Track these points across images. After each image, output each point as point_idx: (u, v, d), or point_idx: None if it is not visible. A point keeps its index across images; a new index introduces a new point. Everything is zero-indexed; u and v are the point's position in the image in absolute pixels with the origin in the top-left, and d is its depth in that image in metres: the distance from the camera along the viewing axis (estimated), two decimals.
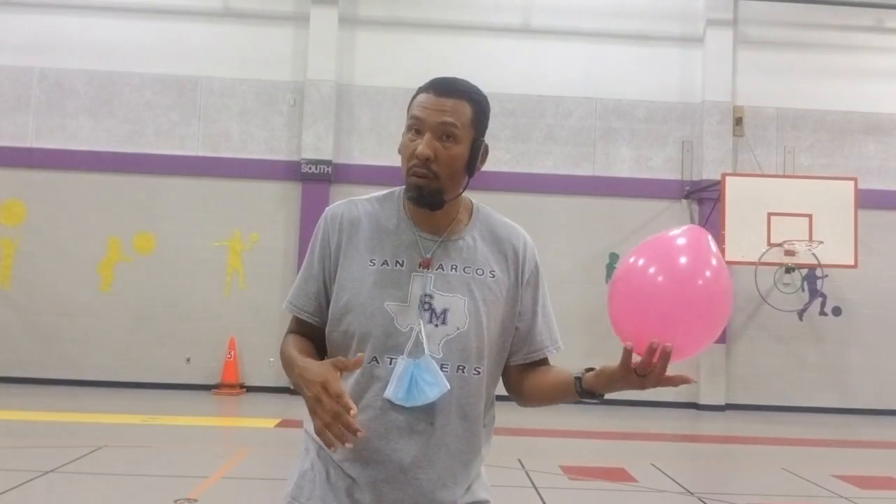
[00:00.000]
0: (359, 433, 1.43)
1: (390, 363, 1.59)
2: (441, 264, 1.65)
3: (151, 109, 11.14)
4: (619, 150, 11.43)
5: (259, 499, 5.31)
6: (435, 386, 1.57)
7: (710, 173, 11.02)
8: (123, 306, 10.81)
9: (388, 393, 1.57)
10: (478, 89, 1.68)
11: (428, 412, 1.59)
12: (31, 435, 7.19)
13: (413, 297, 1.62)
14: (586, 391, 1.67)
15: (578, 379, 1.68)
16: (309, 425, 1.68)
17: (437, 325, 1.61)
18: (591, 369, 1.68)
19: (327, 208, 1.75)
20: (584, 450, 7.89)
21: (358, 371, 1.60)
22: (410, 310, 1.61)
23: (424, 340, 1.59)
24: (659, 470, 6.67)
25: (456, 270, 1.66)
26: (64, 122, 11.04)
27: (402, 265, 1.64)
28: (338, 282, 1.66)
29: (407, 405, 1.57)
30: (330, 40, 11.18)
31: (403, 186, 1.70)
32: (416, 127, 1.62)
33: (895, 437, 9.47)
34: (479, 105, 1.66)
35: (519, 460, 6.66)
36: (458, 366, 1.61)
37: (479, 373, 1.65)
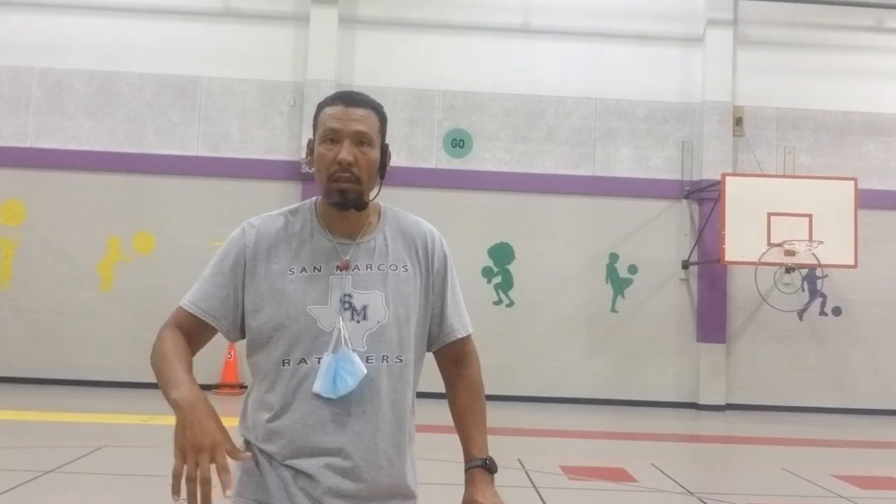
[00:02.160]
0: None
1: (318, 362, 1.70)
2: (357, 265, 1.77)
3: (151, 109, 11.14)
4: (619, 150, 11.43)
5: None
6: (353, 374, 1.68)
7: (710, 173, 11.02)
8: (123, 306, 10.81)
9: (316, 387, 1.69)
10: (377, 101, 1.84)
11: (360, 401, 1.71)
12: (31, 435, 7.19)
13: (333, 298, 1.74)
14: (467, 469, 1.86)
15: (469, 465, 1.85)
16: (245, 430, 1.81)
17: (358, 322, 1.73)
18: (477, 466, 1.84)
19: (246, 222, 1.84)
20: (584, 450, 7.89)
21: (288, 374, 1.72)
22: (332, 310, 1.73)
23: (346, 336, 1.70)
24: (659, 470, 6.67)
25: (371, 269, 1.78)
26: (64, 122, 11.04)
27: (319, 270, 1.76)
28: (258, 294, 1.76)
29: (335, 397, 1.68)
30: (330, 40, 11.18)
31: (313, 199, 1.87)
32: (331, 137, 1.74)
33: (895, 437, 9.47)
34: (382, 115, 1.82)
35: (519, 460, 6.66)
36: (383, 356, 1.74)
37: (401, 360, 1.77)
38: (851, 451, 8.45)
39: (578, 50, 11.51)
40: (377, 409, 1.72)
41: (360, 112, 1.75)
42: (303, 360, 1.71)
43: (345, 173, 1.72)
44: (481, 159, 11.27)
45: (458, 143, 11.29)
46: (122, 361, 10.73)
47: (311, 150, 1.83)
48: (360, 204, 1.76)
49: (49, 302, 10.76)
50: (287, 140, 11.18)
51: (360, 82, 11.27)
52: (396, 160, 11.15)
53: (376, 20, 11.48)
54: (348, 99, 1.77)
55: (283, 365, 1.72)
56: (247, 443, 1.80)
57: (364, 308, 1.74)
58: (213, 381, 10.52)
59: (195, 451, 1.50)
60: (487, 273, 11.14)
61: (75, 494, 5.21)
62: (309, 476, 1.69)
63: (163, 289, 10.81)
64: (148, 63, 11.15)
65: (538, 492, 5.71)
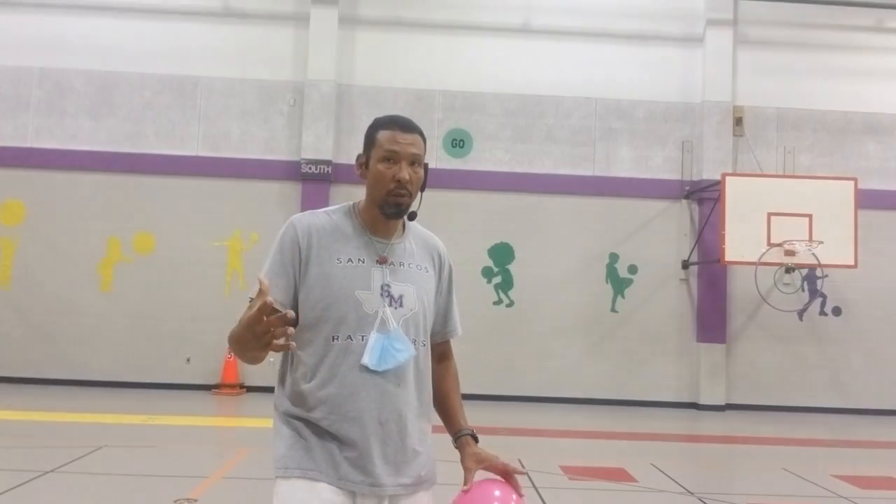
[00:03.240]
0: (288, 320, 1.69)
1: (362, 339, 1.97)
2: (392, 261, 2.07)
3: (151, 109, 11.14)
4: (619, 150, 11.43)
5: (259, 499, 5.31)
6: (404, 351, 1.99)
7: (710, 173, 11.02)
8: (123, 306, 10.81)
9: (365, 360, 1.96)
10: (418, 125, 2.14)
11: (395, 375, 1.99)
12: (31, 435, 7.20)
13: (374, 286, 2.02)
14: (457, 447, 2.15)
15: (460, 433, 2.15)
16: (284, 403, 2.03)
17: (396, 308, 2.02)
18: (465, 435, 2.15)
19: (293, 217, 2.09)
20: (584, 450, 7.88)
21: (336, 349, 1.97)
22: (374, 296, 2.01)
23: (390, 318, 1.99)
24: (659, 470, 6.67)
25: (403, 266, 2.08)
26: (64, 122, 11.04)
27: (363, 262, 2.04)
28: (310, 277, 2.01)
29: (380, 370, 1.96)
30: (330, 40, 11.18)
31: (350, 203, 2.15)
32: (390, 157, 2.02)
33: (895, 437, 9.47)
34: (424, 138, 2.12)
35: (519, 460, 6.66)
36: (413, 339, 2.04)
37: (425, 345, 2.09)
38: (851, 451, 8.45)
39: (578, 50, 11.51)
40: (406, 382, 2.01)
41: (411, 137, 2.04)
42: (349, 337, 1.97)
43: (402, 190, 2.01)
44: (481, 159, 11.27)
45: (458, 143, 11.29)
46: (122, 361, 10.73)
47: (362, 164, 2.08)
48: (412, 214, 2.11)
49: (49, 302, 10.76)
50: (287, 140, 11.18)
51: (360, 82, 11.28)
52: None
53: (376, 20, 11.48)
54: (403, 125, 2.06)
55: (333, 340, 1.98)
56: (287, 416, 2.00)
57: (401, 297, 2.03)
58: (213, 381, 10.53)
59: (249, 328, 1.74)
60: (487, 273, 11.14)
61: (75, 494, 5.21)
62: (354, 444, 1.93)
63: (163, 289, 10.84)
64: (148, 63, 11.15)
65: (538, 492, 5.71)
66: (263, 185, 11.03)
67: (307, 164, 10.93)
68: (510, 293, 11.15)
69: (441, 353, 2.27)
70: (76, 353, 10.69)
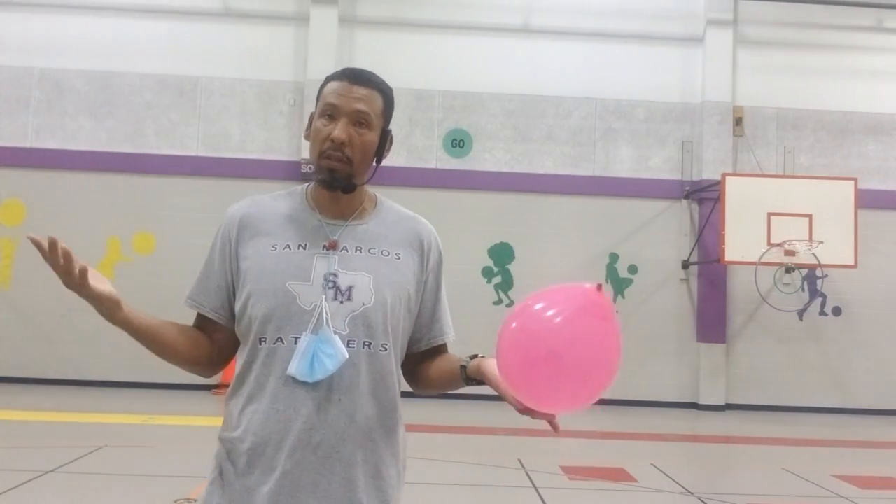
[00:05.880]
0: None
1: (295, 342, 1.59)
2: (345, 246, 1.68)
3: (151, 109, 11.14)
4: (619, 150, 11.43)
5: None
6: (333, 357, 1.56)
7: (710, 173, 11.02)
8: None
9: (292, 369, 1.58)
10: (386, 82, 1.77)
11: (336, 388, 1.58)
12: (31, 435, 7.20)
13: (316, 276, 1.63)
14: (471, 378, 1.65)
15: (464, 367, 1.67)
16: (222, 427, 1.73)
17: (342, 302, 1.62)
18: (476, 356, 1.67)
19: (230, 207, 1.80)
20: (584, 450, 7.88)
21: (263, 354, 1.62)
22: (314, 288, 1.62)
23: (327, 315, 1.59)
24: (659, 470, 6.67)
25: (360, 252, 1.68)
26: (64, 122, 11.04)
27: (304, 248, 1.67)
28: (241, 273, 1.70)
29: (311, 381, 1.57)
30: (330, 40, 11.18)
31: (307, 184, 1.78)
32: (330, 112, 1.66)
33: (895, 437, 9.47)
34: (388, 97, 1.74)
35: (519, 460, 6.66)
36: (365, 341, 1.62)
37: (385, 349, 1.65)
38: (851, 451, 8.45)
39: (578, 50, 11.51)
40: (355, 398, 1.60)
41: (363, 91, 1.67)
42: (279, 340, 1.60)
43: (336, 152, 1.65)
44: (481, 159, 11.27)
45: (458, 143, 11.29)
46: (122, 361, 10.71)
47: (310, 123, 1.73)
48: (349, 186, 1.69)
49: (49, 302, 10.74)
50: (287, 140, 11.18)
51: None
52: (396, 160, 11.19)
53: (376, 20, 11.48)
54: (355, 76, 1.70)
55: (260, 344, 1.62)
56: (219, 438, 1.73)
57: (349, 289, 1.63)
58: (213, 382, 10.53)
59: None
60: (487, 273, 11.14)
61: (75, 494, 5.21)
62: (277, 478, 1.57)
63: (163, 289, 10.79)
64: (148, 63, 11.15)
65: (538, 492, 5.71)
66: (263, 185, 11.00)
67: (307, 164, 10.91)
68: (510, 293, 11.15)
69: (435, 355, 1.82)
70: (76, 353, 10.68)
